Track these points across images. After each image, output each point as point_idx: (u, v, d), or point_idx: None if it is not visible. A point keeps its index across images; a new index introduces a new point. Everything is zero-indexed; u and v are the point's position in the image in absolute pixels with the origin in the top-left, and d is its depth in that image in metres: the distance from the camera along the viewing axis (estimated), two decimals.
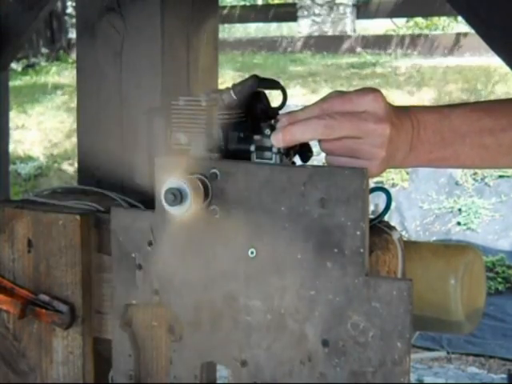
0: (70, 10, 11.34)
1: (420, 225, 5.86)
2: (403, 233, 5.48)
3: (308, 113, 0.92)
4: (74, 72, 1.47)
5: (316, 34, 10.50)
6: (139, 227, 1.02)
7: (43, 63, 10.79)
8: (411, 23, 11.62)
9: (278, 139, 0.92)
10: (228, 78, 7.54)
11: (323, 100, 0.93)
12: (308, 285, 0.90)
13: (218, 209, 0.95)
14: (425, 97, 7.55)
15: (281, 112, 1.01)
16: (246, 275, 0.94)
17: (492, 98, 7.14)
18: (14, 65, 9.72)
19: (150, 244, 1.01)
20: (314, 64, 9.39)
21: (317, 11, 10.60)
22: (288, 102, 1.07)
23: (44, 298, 1.13)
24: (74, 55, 9.44)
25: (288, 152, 0.96)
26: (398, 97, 7.39)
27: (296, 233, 0.90)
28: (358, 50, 9.92)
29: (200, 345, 0.99)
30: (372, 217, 0.96)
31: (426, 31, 10.84)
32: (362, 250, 0.87)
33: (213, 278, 0.96)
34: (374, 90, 0.92)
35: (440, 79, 8.05)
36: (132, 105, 1.36)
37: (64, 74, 10.04)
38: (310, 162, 0.98)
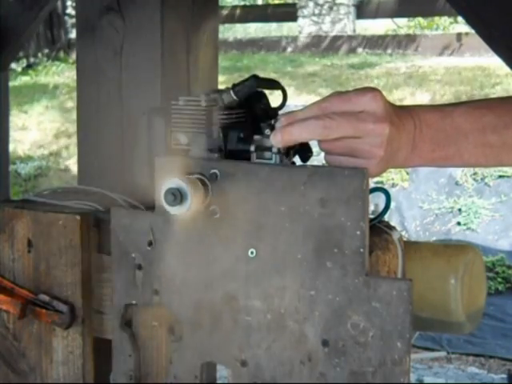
0: (69, 10, 11.34)
1: (420, 225, 5.86)
2: (403, 233, 5.48)
3: (307, 113, 0.92)
4: (74, 72, 1.47)
5: (316, 34, 10.50)
6: (139, 227, 1.02)
7: (43, 63, 10.79)
8: (412, 23, 11.62)
9: (277, 139, 0.92)
10: (228, 78, 7.54)
11: (323, 100, 0.93)
12: (308, 285, 0.90)
13: (217, 209, 0.95)
14: (425, 97, 7.55)
15: (281, 112, 1.01)
16: (246, 275, 0.94)
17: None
18: (14, 65, 9.72)
19: (150, 244, 1.01)
20: (313, 64, 9.39)
21: (317, 11, 10.60)
22: (288, 102, 1.07)
23: (44, 297, 1.13)
24: (74, 55, 9.44)
25: (288, 152, 0.96)
26: (397, 97, 7.38)
27: (296, 233, 0.90)
28: (358, 50, 9.92)
29: (200, 345, 0.99)
30: (372, 217, 0.96)
31: (426, 31, 10.84)
32: (362, 250, 0.87)
33: (213, 278, 0.96)
34: (373, 90, 0.92)
35: (440, 79, 8.05)
36: (132, 105, 1.36)
37: (64, 74, 10.05)
38: (309, 162, 0.98)
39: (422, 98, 7.52)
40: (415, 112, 0.95)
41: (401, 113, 0.93)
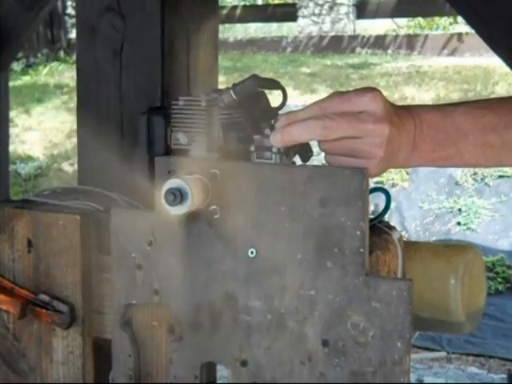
0: (69, 10, 11.34)
1: (420, 225, 5.86)
2: (403, 233, 5.48)
3: (307, 113, 0.92)
4: (74, 72, 1.47)
5: (316, 34, 10.50)
6: (139, 227, 1.02)
7: (43, 63, 10.79)
8: (412, 23, 11.62)
9: (277, 139, 0.92)
10: (228, 78, 7.54)
11: (323, 100, 0.93)
12: (308, 285, 0.90)
13: (218, 209, 0.95)
14: (425, 97, 7.55)
15: (281, 112, 1.01)
16: (246, 275, 0.94)
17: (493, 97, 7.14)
18: (14, 65, 9.72)
19: (150, 244, 1.01)
20: (313, 64, 9.39)
21: (317, 11, 10.60)
22: (288, 102, 1.07)
23: (44, 297, 1.13)
24: (74, 55, 9.44)
25: (288, 152, 0.96)
26: (398, 97, 7.38)
27: (296, 233, 0.90)
28: (358, 50, 9.92)
29: (200, 345, 0.99)
30: (372, 217, 0.96)
31: (426, 31, 10.84)
32: (362, 250, 0.87)
33: (213, 278, 0.96)
34: (372, 90, 0.92)
35: (440, 79, 8.05)
36: (132, 105, 1.36)
37: (64, 74, 10.04)
38: (310, 162, 0.98)
39: (422, 97, 7.52)
40: (416, 112, 0.95)
41: (401, 113, 0.93)
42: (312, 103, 0.93)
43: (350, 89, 0.96)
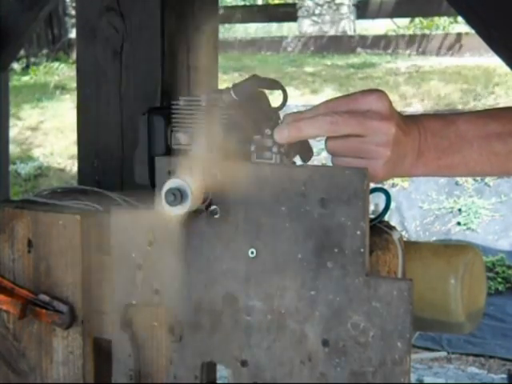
0: (70, 10, 11.34)
1: (420, 225, 5.86)
2: (403, 233, 5.47)
3: (314, 112, 0.92)
4: (74, 72, 1.47)
5: (316, 34, 10.49)
6: (139, 227, 1.02)
7: (43, 63, 10.79)
8: (412, 23, 11.61)
9: (283, 135, 0.92)
10: (228, 78, 7.54)
11: (329, 100, 0.94)
12: (308, 285, 0.90)
13: (218, 209, 0.95)
14: (425, 97, 7.55)
15: (281, 112, 1.01)
16: (246, 275, 0.94)
17: (492, 98, 7.15)
18: (14, 65, 9.71)
19: (150, 244, 1.01)
20: (313, 64, 9.39)
21: (317, 11, 10.59)
22: (288, 103, 1.07)
23: (44, 298, 1.13)
24: (74, 55, 9.43)
25: (288, 152, 0.96)
26: (398, 97, 7.38)
27: (296, 233, 0.90)
28: (358, 50, 9.92)
29: (200, 345, 0.99)
30: (372, 217, 0.96)
31: (426, 31, 10.83)
32: (362, 250, 0.87)
33: (213, 278, 0.96)
34: (378, 90, 0.92)
35: (440, 79, 8.04)
36: (132, 105, 1.36)
37: (64, 74, 10.05)
38: (310, 162, 0.98)
39: (422, 98, 7.51)
40: (419, 120, 0.95)
41: (406, 120, 0.93)
42: (318, 103, 0.94)
43: (351, 88, 0.96)
